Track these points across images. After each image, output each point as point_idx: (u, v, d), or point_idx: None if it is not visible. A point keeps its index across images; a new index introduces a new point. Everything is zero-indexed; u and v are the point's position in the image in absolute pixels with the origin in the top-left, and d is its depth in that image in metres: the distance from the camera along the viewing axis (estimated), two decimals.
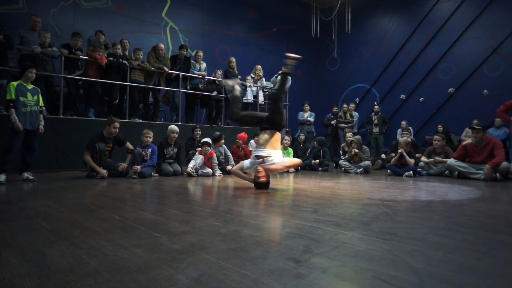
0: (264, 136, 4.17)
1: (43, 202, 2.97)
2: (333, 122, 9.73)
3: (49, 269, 1.41)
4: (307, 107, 9.73)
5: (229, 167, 6.16)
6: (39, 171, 5.36)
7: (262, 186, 4.04)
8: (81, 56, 6.29)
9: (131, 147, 5.42)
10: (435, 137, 6.56)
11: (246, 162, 4.33)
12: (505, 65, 8.94)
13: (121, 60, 6.60)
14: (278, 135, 4.20)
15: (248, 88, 8.81)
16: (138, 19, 8.93)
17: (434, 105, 10.14)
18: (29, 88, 4.58)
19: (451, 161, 5.90)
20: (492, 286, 1.29)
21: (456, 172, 5.80)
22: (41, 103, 4.72)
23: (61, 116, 6.00)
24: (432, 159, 6.40)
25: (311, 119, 9.58)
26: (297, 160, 4.47)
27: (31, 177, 4.55)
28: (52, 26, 7.44)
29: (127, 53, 7.07)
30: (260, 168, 4.04)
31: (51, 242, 1.78)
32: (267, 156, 4.06)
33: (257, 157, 4.13)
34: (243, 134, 6.69)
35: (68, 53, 6.09)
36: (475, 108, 9.24)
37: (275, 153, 4.10)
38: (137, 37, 8.57)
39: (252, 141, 7.11)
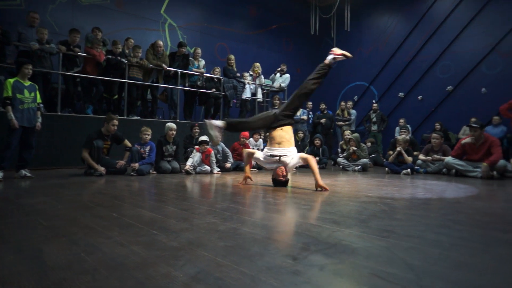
0: (279, 134, 4.09)
1: (41, 199, 2.97)
2: (322, 120, 9.66)
3: (47, 266, 1.41)
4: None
5: (228, 165, 6.17)
6: (37, 168, 5.35)
7: (281, 183, 4.06)
8: (79, 53, 6.27)
9: (129, 144, 5.41)
10: (433, 135, 6.57)
11: (259, 154, 4.23)
12: (504, 63, 8.95)
13: (119, 58, 6.58)
14: (291, 130, 4.16)
15: (246, 86, 8.79)
16: (136, 16, 8.89)
17: (432, 103, 10.15)
18: (26, 85, 4.56)
19: (449, 159, 5.92)
20: (488, 283, 1.30)
21: (454, 170, 5.82)
22: (38, 100, 4.71)
23: (59, 113, 5.99)
24: (430, 157, 6.42)
25: (304, 117, 9.53)
26: (310, 157, 4.06)
27: (28, 174, 4.54)
28: (50, 23, 7.41)
29: (126, 51, 7.04)
30: (282, 167, 4.03)
31: (49, 239, 1.78)
32: (284, 155, 4.00)
33: (273, 156, 4.04)
34: (245, 132, 6.71)
35: (66, 50, 6.07)
36: (473, 106, 9.24)
37: (291, 150, 4.05)
38: (136, 34, 8.53)
39: (251, 139, 7.11)
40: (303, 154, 4.05)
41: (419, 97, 10.44)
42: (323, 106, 9.98)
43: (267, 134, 4.29)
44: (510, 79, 8.73)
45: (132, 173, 5.13)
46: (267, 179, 4.81)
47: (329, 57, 4.28)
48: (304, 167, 7.36)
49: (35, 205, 2.72)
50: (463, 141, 5.87)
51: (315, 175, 3.82)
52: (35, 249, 1.62)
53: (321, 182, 3.78)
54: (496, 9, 9.14)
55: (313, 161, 3.93)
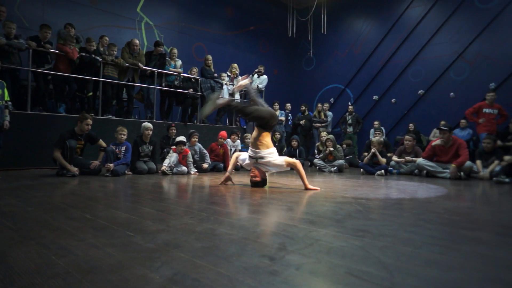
0: (252, 135, 4.12)
1: (8, 201, 2.83)
2: (302, 122, 9.79)
3: (13, 270, 1.35)
4: (276, 106, 9.63)
5: (205, 165, 6.13)
6: (4, 168, 5.10)
7: (257, 184, 4.07)
8: (50, 50, 6.04)
9: (104, 144, 5.27)
10: (406, 137, 6.80)
11: (243, 156, 4.28)
12: (470, 69, 9.39)
13: (93, 55, 6.39)
14: (266, 133, 4.14)
15: (224, 86, 8.76)
16: (111, 13, 8.67)
17: (405, 106, 10.50)
18: None
19: (420, 160, 6.13)
20: (455, 278, 1.36)
21: (425, 171, 6.04)
22: (6, 97, 4.51)
23: (29, 112, 5.74)
24: (403, 159, 6.63)
25: (282, 118, 9.60)
26: (296, 162, 4.08)
27: None
28: (18, 17, 7.08)
29: (101, 49, 6.84)
30: (253, 168, 4.07)
31: (16, 243, 1.71)
32: (261, 157, 4.03)
33: (251, 157, 4.11)
34: (223, 133, 6.69)
35: (36, 46, 5.83)
36: (443, 110, 9.65)
37: (270, 152, 4.05)
38: (111, 31, 8.32)
39: (228, 139, 7.09)
40: (288, 159, 4.09)
41: (393, 100, 10.78)
42: (303, 107, 10.11)
43: (245, 134, 4.29)
44: (475, 85, 9.18)
45: (107, 174, 5.00)
46: (244, 179, 4.81)
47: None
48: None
49: (2, 207, 2.59)
50: (433, 143, 6.10)
51: (303, 180, 3.97)
52: (1, 253, 1.55)
53: (309, 186, 3.95)
54: (461, 18, 9.60)
55: (299, 165, 4.04)
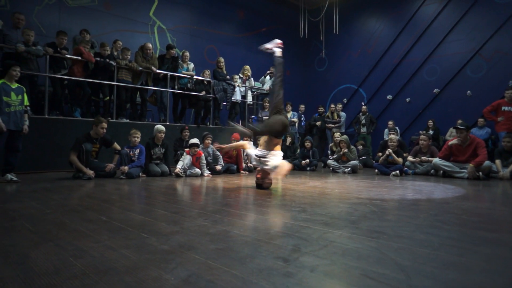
0: (263, 138, 4.14)
1: (28, 204, 2.91)
2: (318, 123, 9.72)
3: (34, 271, 1.39)
4: (289, 108, 9.53)
5: (218, 167, 6.16)
6: (23, 172, 5.23)
7: (262, 187, 4.06)
8: (66, 55, 6.18)
9: (118, 147, 5.35)
10: (422, 136, 6.67)
11: (252, 151, 4.27)
12: (487, 66, 9.15)
13: (107, 60, 6.51)
14: (276, 139, 4.11)
15: (236, 88, 8.79)
16: (125, 18, 8.82)
17: (420, 106, 10.31)
18: (13, 87, 4.48)
19: (436, 160, 6.01)
20: (474, 281, 1.32)
21: (441, 171, 5.91)
22: (26, 102, 4.63)
23: (46, 116, 5.88)
24: (418, 159, 6.51)
25: (295, 120, 9.55)
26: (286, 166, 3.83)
27: (14, 179, 4.45)
28: (36, 24, 7.28)
29: (115, 53, 6.97)
30: (268, 173, 4.03)
31: (36, 244, 1.75)
32: (265, 157, 3.99)
33: (257, 155, 4.10)
34: (236, 135, 6.71)
35: (53, 52, 5.98)
36: (459, 108, 9.43)
37: (275, 154, 4.01)
38: (124, 36, 8.46)
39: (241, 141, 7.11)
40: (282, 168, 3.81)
41: (407, 100, 10.59)
42: (321, 109, 10.08)
43: (257, 136, 4.29)
44: (493, 82, 8.94)
45: (122, 177, 5.07)
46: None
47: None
48: (295, 171, 7.39)
49: (22, 209, 2.66)
50: (450, 143, 5.97)
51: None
52: (22, 255, 1.59)
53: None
54: (478, 14, 9.36)
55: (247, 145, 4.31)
